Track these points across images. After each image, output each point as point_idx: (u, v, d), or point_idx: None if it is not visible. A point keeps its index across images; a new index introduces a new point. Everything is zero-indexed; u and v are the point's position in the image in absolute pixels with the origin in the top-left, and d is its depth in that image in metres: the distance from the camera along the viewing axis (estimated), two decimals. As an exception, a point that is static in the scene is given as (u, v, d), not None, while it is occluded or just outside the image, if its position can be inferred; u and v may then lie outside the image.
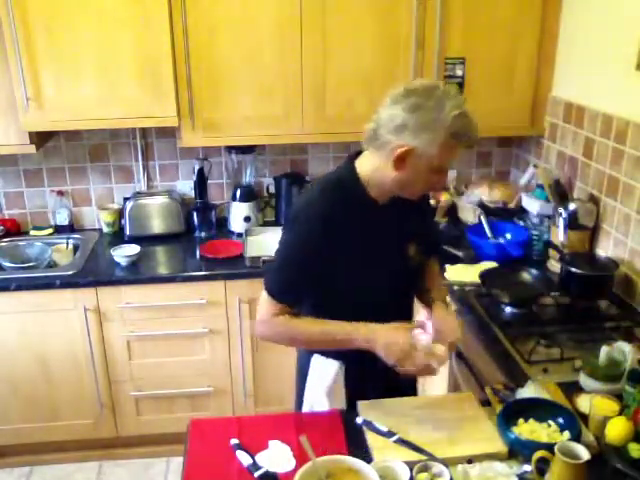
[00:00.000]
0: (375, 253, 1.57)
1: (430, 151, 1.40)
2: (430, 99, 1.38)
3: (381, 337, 1.49)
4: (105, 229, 2.99)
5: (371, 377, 1.66)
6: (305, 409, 1.75)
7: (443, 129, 1.37)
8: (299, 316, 1.59)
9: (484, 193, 2.86)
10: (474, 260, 2.53)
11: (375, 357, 1.52)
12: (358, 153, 1.59)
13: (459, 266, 2.47)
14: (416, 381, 1.92)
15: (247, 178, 2.99)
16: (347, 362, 1.67)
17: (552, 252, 2.46)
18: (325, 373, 1.69)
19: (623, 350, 1.70)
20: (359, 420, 1.56)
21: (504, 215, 2.78)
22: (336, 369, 1.68)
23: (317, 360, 1.71)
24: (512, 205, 2.80)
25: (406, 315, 1.77)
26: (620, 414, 1.48)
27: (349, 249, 1.53)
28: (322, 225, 1.49)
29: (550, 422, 1.51)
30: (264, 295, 1.57)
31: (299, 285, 1.56)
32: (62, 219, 2.99)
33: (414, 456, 1.42)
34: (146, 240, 2.83)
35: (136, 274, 2.58)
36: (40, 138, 2.64)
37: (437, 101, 1.38)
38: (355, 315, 1.55)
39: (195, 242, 2.86)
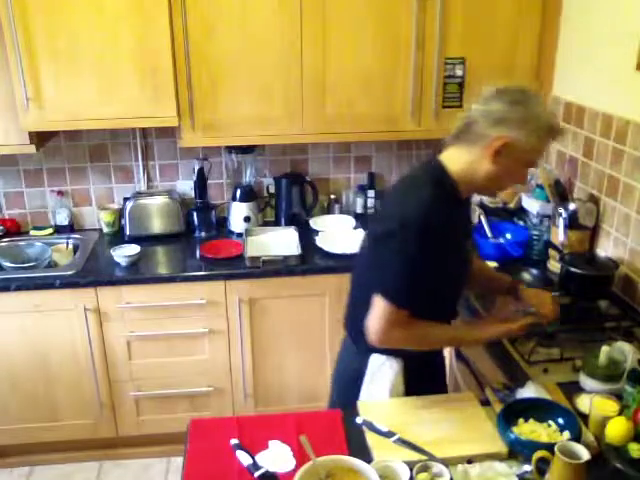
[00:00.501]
0: (461, 249, 1.65)
1: (526, 144, 1.46)
2: (526, 96, 1.47)
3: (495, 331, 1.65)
4: (105, 229, 2.99)
5: (427, 372, 1.74)
6: None
7: (541, 124, 1.46)
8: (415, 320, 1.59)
9: (484, 193, 2.87)
10: (474, 260, 2.53)
11: (431, 353, 1.67)
12: (433, 157, 1.62)
13: (459, 266, 2.47)
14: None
15: (247, 178, 2.99)
16: (406, 359, 1.70)
17: (552, 252, 2.46)
18: (386, 371, 1.70)
19: (623, 350, 1.70)
20: (359, 420, 1.57)
21: (504, 215, 2.78)
22: (398, 366, 1.70)
23: (377, 359, 1.71)
24: (512, 205, 2.80)
25: (456, 309, 1.81)
26: (620, 414, 1.48)
27: (449, 248, 1.56)
28: (432, 229, 1.50)
29: (550, 422, 1.51)
30: (382, 303, 1.54)
31: (416, 290, 1.55)
32: (62, 219, 2.99)
33: (414, 456, 1.42)
34: (146, 240, 2.83)
35: (136, 274, 2.58)
36: (40, 138, 2.64)
37: (533, 99, 1.48)
38: (429, 311, 1.59)
39: (195, 242, 2.86)
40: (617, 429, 1.42)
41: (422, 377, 1.73)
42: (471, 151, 1.52)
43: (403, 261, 1.52)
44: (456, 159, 1.55)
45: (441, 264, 1.54)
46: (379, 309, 1.55)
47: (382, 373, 1.71)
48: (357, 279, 1.77)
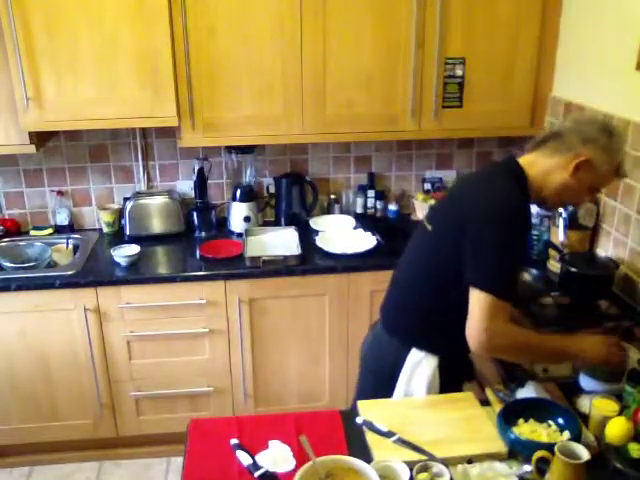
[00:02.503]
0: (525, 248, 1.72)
1: (601, 170, 1.59)
2: (615, 131, 1.61)
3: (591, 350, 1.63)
4: (105, 229, 2.99)
5: (459, 370, 1.78)
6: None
7: (616, 159, 1.60)
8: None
9: (484, 193, 2.86)
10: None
11: (466, 350, 1.62)
12: (512, 157, 1.69)
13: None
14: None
15: (247, 178, 2.99)
16: (441, 356, 1.72)
17: (552, 252, 2.46)
18: (423, 368, 1.72)
19: (623, 350, 1.70)
20: (359, 420, 1.57)
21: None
22: (435, 364, 1.72)
23: (416, 354, 1.72)
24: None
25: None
26: (620, 414, 1.48)
27: (524, 244, 1.65)
28: (525, 222, 1.60)
29: (550, 422, 1.51)
30: (489, 301, 1.51)
31: (514, 283, 1.57)
32: (62, 219, 2.99)
33: (414, 456, 1.42)
34: (146, 240, 2.83)
35: (136, 274, 2.58)
36: (40, 138, 2.64)
37: (619, 136, 1.63)
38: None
39: (195, 242, 2.86)
40: (617, 429, 1.42)
41: (455, 376, 1.76)
42: (552, 159, 1.61)
43: (504, 248, 1.53)
44: (534, 163, 1.63)
45: (520, 258, 1.61)
46: (482, 303, 1.51)
47: (420, 369, 1.72)
48: (409, 269, 1.79)
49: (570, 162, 1.57)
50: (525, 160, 1.65)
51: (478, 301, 1.52)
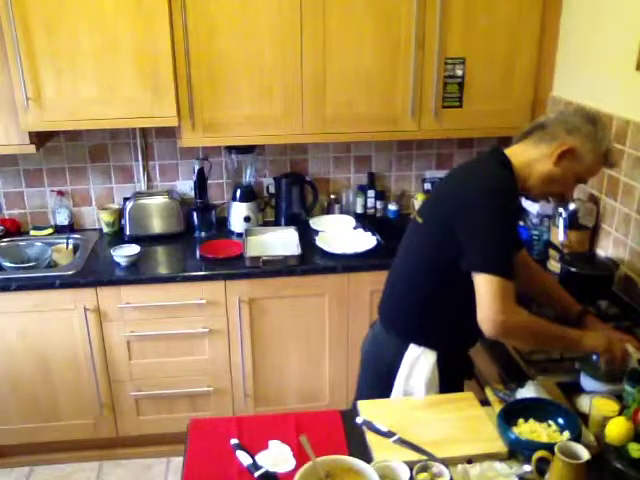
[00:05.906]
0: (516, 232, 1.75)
1: (586, 159, 1.60)
2: (598, 119, 1.63)
3: (601, 342, 1.64)
4: (105, 229, 2.99)
5: (460, 365, 1.80)
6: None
7: (601, 147, 1.60)
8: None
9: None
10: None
11: (465, 346, 1.78)
12: (497, 147, 1.70)
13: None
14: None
15: (247, 178, 2.99)
16: (440, 351, 1.72)
17: (552, 252, 2.47)
18: (422, 365, 1.72)
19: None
20: (359, 420, 1.57)
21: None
22: (433, 360, 1.72)
23: (414, 350, 1.73)
24: (512, 205, 2.80)
25: None
26: (620, 414, 1.48)
27: (516, 225, 1.66)
28: (516, 201, 1.63)
29: (550, 422, 1.51)
30: (496, 283, 1.49)
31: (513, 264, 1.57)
32: (62, 219, 2.99)
33: (414, 456, 1.42)
34: (146, 240, 2.83)
35: (136, 274, 2.58)
36: (40, 138, 2.64)
37: (603, 124, 1.64)
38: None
39: (195, 242, 2.86)
40: (617, 429, 1.42)
41: (454, 373, 1.77)
42: (537, 149, 1.63)
43: (501, 229, 1.54)
44: (520, 153, 1.65)
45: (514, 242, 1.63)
46: (490, 286, 1.49)
47: (419, 365, 1.72)
48: (404, 264, 1.79)
49: (555, 151, 1.59)
50: (511, 151, 1.67)
51: (485, 285, 1.50)
